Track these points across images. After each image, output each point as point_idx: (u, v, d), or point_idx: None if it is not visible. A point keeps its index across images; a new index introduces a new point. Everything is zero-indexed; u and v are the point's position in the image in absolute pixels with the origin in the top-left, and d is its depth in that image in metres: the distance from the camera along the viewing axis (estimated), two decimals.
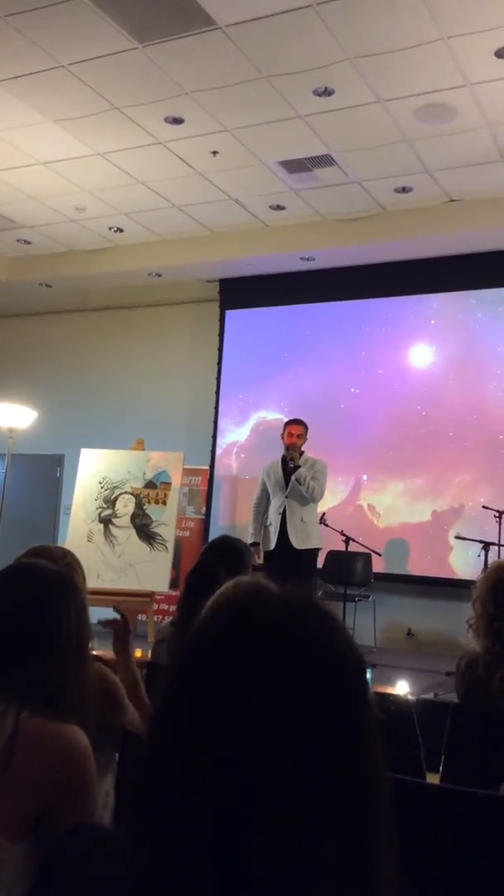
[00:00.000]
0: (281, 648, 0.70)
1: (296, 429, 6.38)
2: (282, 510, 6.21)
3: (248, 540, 6.26)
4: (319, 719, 0.69)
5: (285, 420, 6.64)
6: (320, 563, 6.76)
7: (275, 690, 0.68)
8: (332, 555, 7.17)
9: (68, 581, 1.63)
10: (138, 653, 5.31)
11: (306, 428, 6.45)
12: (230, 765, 0.66)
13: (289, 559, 6.04)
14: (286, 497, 6.20)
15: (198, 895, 0.65)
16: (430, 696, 4.71)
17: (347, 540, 6.57)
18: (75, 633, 1.54)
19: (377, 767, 0.71)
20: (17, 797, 1.28)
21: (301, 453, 6.38)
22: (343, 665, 0.72)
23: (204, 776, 0.66)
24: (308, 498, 6.20)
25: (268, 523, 6.33)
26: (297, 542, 6.10)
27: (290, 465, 6.26)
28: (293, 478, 6.19)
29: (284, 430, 6.45)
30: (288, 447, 6.32)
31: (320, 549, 6.34)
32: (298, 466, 6.24)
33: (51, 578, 1.59)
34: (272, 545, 6.23)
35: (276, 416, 8.12)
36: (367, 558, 7.06)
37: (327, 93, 5.33)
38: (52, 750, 1.33)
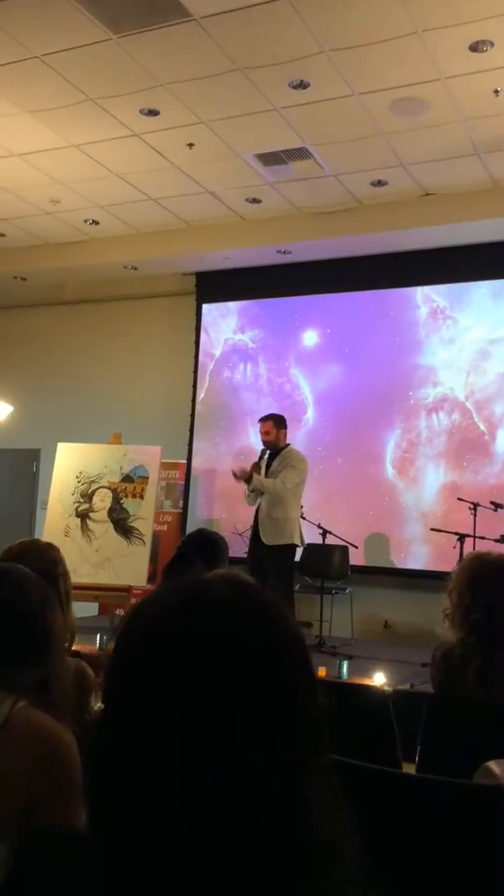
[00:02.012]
0: (212, 627, 0.70)
1: (263, 426, 6.40)
2: (257, 506, 6.23)
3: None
4: (258, 692, 0.69)
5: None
6: (298, 555, 6.76)
7: (207, 666, 0.68)
8: (310, 548, 7.18)
9: (47, 583, 1.66)
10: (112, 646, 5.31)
11: (277, 421, 6.40)
12: (180, 749, 0.66)
13: (261, 554, 6.05)
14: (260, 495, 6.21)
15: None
16: (406, 686, 4.74)
17: (324, 533, 6.59)
18: (57, 632, 1.56)
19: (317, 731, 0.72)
20: (4, 789, 1.28)
21: (286, 446, 6.37)
22: (278, 645, 0.72)
23: (154, 765, 0.66)
24: (275, 497, 6.12)
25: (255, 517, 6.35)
26: (266, 538, 6.09)
27: (260, 467, 6.23)
28: (249, 488, 6.15)
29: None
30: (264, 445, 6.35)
31: (296, 545, 6.23)
32: (260, 468, 6.21)
33: (32, 579, 1.63)
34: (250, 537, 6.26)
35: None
36: (343, 551, 7.09)
37: (303, 85, 5.32)
38: (43, 744, 1.33)
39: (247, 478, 6.16)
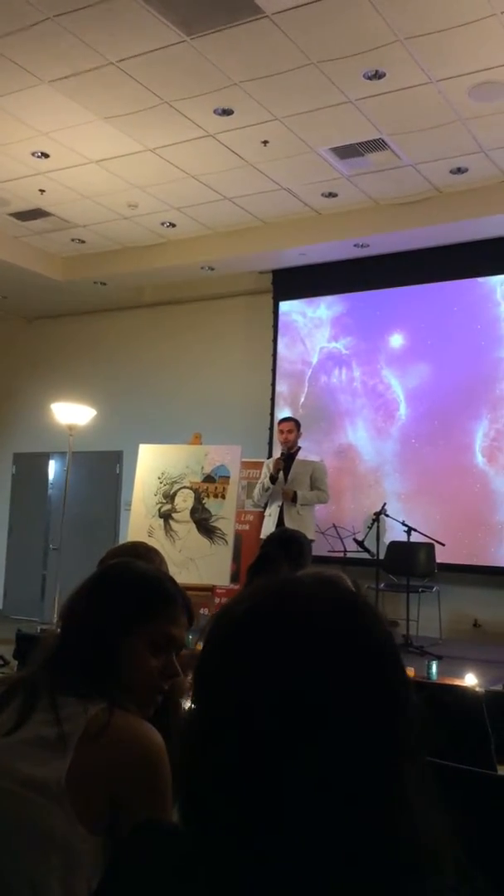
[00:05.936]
0: (298, 630, 0.70)
1: (286, 425, 6.95)
2: (280, 503, 6.68)
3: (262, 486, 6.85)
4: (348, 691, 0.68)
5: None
6: (381, 553, 6.72)
7: (299, 664, 0.68)
8: (394, 545, 7.09)
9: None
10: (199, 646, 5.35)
11: (298, 425, 6.96)
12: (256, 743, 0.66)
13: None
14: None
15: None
16: (498, 687, 4.62)
17: (409, 530, 6.48)
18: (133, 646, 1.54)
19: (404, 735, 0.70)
20: (96, 788, 1.30)
21: (298, 449, 6.86)
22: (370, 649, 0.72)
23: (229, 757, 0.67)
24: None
25: (267, 514, 6.84)
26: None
27: (277, 475, 6.75)
28: (296, 507, 6.65)
29: (277, 428, 7.13)
30: (282, 446, 6.93)
31: (312, 540, 6.33)
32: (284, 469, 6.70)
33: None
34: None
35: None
36: (429, 548, 6.96)
37: (378, 76, 5.24)
38: (132, 744, 1.34)
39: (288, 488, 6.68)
